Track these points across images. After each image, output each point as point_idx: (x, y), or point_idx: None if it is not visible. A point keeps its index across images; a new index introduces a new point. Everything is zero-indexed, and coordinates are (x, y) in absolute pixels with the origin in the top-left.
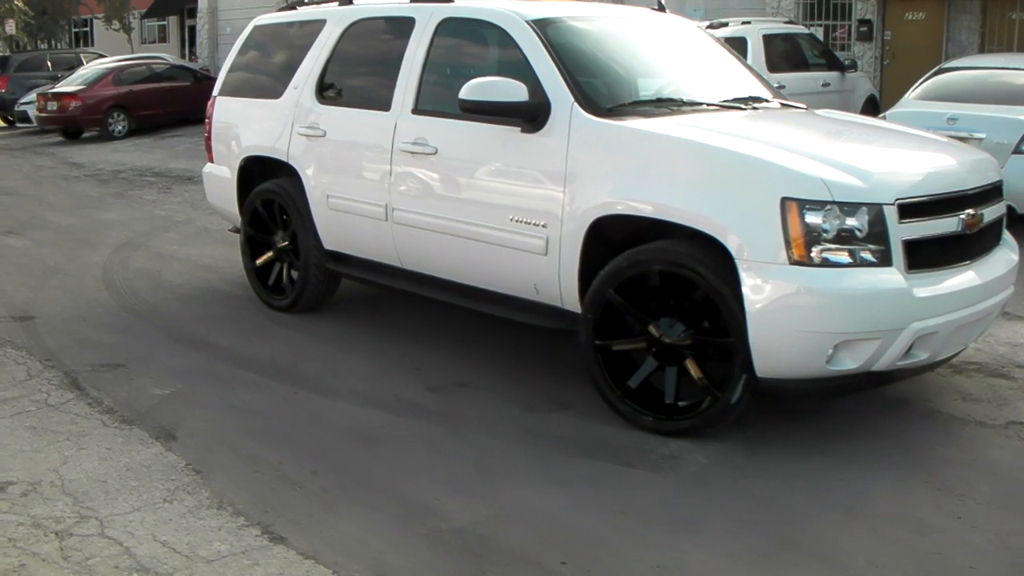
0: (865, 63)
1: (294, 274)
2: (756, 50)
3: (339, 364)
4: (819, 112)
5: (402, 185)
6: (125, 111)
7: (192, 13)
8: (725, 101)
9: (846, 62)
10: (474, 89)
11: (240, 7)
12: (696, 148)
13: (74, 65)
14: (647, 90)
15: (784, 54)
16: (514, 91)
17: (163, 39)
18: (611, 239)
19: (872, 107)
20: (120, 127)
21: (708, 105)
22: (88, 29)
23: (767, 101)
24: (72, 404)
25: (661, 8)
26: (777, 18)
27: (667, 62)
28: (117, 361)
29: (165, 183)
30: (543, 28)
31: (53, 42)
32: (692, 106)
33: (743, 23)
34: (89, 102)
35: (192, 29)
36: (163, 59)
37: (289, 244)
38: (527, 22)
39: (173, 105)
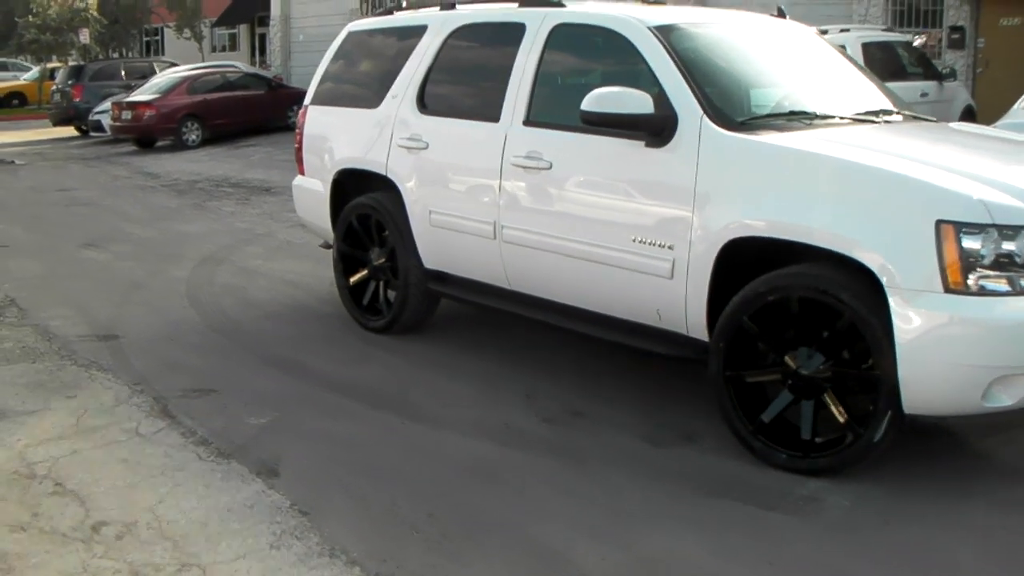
0: (957, 72)
1: (391, 293)
2: (855, 58)
3: (443, 391)
4: (952, 125)
5: (513, 201)
6: (199, 120)
7: (263, 21)
8: (857, 114)
9: (944, 71)
10: (597, 100)
11: (313, 15)
12: (841, 166)
13: (147, 74)
14: (774, 101)
15: (882, 63)
16: (640, 102)
17: (233, 47)
18: (743, 263)
19: (970, 117)
20: (194, 136)
21: (841, 118)
22: (159, 38)
23: (895, 113)
24: (164, 434)
25: (781, 14)
26: (874, 25)
27: (793, 72)
28: (208, 386)
29: (243, 194)
30: (666, 35)
31: (124, 51)
32: (825, 119)
33: (841, 30)
34: (163, 111)
35: (263, 37)
36: (236, 67)
37: (386, 262)
38: (649, 29)
39: (247, 114)
